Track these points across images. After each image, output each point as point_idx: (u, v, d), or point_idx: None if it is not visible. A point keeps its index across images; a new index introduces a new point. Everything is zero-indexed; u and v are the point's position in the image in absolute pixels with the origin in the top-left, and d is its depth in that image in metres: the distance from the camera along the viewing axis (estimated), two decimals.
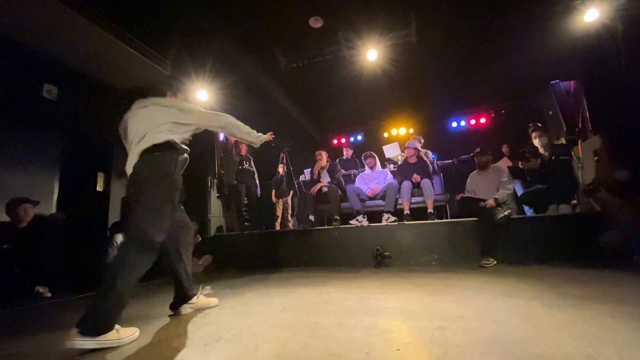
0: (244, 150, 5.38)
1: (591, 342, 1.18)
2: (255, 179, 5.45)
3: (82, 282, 3.43)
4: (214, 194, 5.49)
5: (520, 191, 4.56)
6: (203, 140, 5.48)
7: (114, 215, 4.39)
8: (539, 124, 4.16)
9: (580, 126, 4.28)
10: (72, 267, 3.57)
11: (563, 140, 4.53)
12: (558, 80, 4.49)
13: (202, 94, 5.21)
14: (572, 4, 4.19)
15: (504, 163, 5.46)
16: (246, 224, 5.34)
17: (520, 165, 4.36)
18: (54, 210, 4.11)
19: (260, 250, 4.46)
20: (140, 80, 4.47)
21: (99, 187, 4.31)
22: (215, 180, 5.49)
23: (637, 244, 2.91)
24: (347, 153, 6.32)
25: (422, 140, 5.67)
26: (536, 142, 4.04)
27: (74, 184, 4.22)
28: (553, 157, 3.85)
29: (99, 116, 4.36)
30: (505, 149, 6.16)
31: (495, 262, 3.24)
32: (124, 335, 1.51)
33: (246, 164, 5.37)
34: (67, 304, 2.66)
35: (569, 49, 4.66)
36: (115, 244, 3.85)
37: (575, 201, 4.10)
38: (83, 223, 4.01)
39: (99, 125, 4.34)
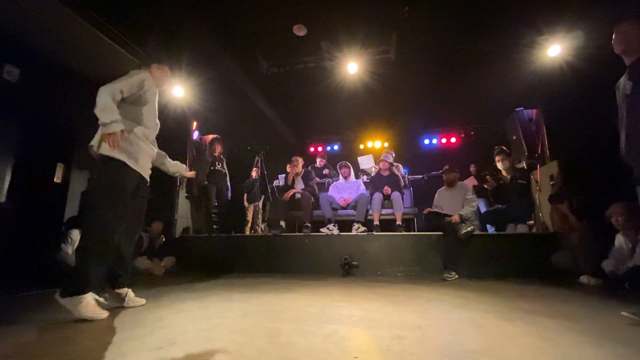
0: (217, 150, 5.27)
1: (535, 353, 1.24)
2: (227, 181, 5.34)
3: (29, 278, 3.19)
4: (182, 193, 5.32)
5: (484, 209, 4.79)
6: (174, 138, 5.32)
7: (71, 209, 4.13)
8: (504, 148, 4.42)
9: (539, 152, 4.60)
10: (20, 261, 3.30)
11: (524, 164, 4.83)
12: (522, 108, 4.81)
13: (178, 90, 5.08)
14: (537, 39, 4.53)
15: (471, 182, 5.72)
16: (215, 226, 5.21)
17: (486, 186, 4.60)
18: (3, 199, 3.80)
19: (227, 254, 4.35)
20: (113, 71, 4.29)
21: (57, 179, 4.05)
22: (185, 180, 5.32)
23: (585, 264, 3.13)
24: (320, 162, 6.36)
25: (394, 155, 5.83)
26: (500, 165, 4.29)
27: (30, 173, 3.92)
28: (513, 181, 4.10)
29: (64, 103, 4.13)
30: (472, 168, 6.46)
31: (456, 276, 3.36)
32: None
33: (219, 164, 5.26)
34: (6, 302, 2.45)
35: (533, 80, 5.03)
36: (70, 240, 3.59)
37: (531, 222, 4.36)
38: (36, 215, 3.73)
39: (62, 113, 4.10)
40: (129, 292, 2.16)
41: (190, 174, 2.65)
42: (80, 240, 1.92)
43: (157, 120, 2.29)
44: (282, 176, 5.85)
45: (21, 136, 3.90)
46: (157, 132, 2.29)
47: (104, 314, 1.82)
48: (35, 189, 3.87)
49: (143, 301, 2.20)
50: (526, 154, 4.62)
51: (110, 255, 1.94)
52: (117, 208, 1.91)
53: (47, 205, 3.95)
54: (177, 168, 2.50)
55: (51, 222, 3.94)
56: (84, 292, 1.78)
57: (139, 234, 2.27)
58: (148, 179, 2.20)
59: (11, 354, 1.30)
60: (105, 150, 1.90)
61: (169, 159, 2.46)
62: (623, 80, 1.95)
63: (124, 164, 1.95)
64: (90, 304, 1.78)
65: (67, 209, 4.11)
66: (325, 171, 6.34)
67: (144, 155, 2.10)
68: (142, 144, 2.10)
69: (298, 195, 4.60)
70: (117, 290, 2.13)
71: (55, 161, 4.08)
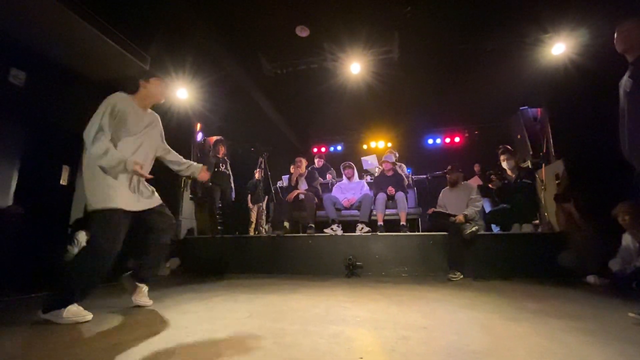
0: (221, 152, 5.29)
1: (542, 354, 1.24)
2: (231, 183, 5.36)
3: (35, 279, 3.22)
4: (187, 195, 5.34)
5: (488, 209, 4.76)
6: (178, 139, 5.34)
7: (77, 211, 4.17)
8: (508, 147, 4.39)
9: (544, 151, 4.56)
10: (26, 263, 3.34)
11: (529, 164, 4.79)
12: (526, 107, 4.78)
13: (182, 92, 5.11)
14: (541, 37, 4.50)
15: (475, 181, 5.69)
16: (219, 227, 5.23)
17: (491, 185, 4.58)
18: (10, 202, 3.84)
19: (231, 255, 4.36)
20: (118, 73, 4.34)
21: (63, 181, 4.09)
22: (189, 181, 5.34)
23: (592, 264, 3.10)
24: (319, 163, 6.38)
25: (397, 155, 5.82)
26: (504, 164, 4.26)
27: (36, 175, 3.96)
28: (518, 180, 4.07)
29: (69, 106, 4.17)
30: (477, 167, 6.44)
31: (461, 276, 3.34)
32: None
33: (223, 166, 5.27)
34: (14, 303, 2.47)
35: (538, 78, 5.00)
36: (76, 241, 3.63)
37: (537, 221, 4.33)
38: (42, 218, 3.76)
39: (68, 116, 4.14)
40: (144, 289, 2.20)
41: (205, 176, 2.47)
42: (75, 257, 1.93)
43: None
44: (285, 177, 5.86)
45: (27, 139, 3.96)
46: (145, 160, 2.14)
47: (88, 315, 1.81)
48: (41, 191, 3.91)
49: (150, 302, 2.21)
50: (531, 153, 4.58)
51: (101, 275, 1.91)
52: (110, 241, 1.88)
53: (53, 207, 3.99)
54: (192, 170, 2.44)
55: (57, 224, 3.98)
56: (68, 305, 1.78)
57: (168, 237, 2.22)
58: (150, 205, 2.11)
59: (18, 356, 1.32)
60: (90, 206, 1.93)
61: (184, 162, 2.42)
62: (625, 78, 1.95)
63: (105, 210, 1.89)
64: (72, 309, 1.78)
65: (73, 210, 4.15)
66: (329, 177, 6.35)
67: (123, 188, 1.98)
68: (120, 177, 1.98)
69: (302, 196, 4.60)
70: (137, 283, 2.18)
71: (61, 163, 4.12)
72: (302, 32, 4.51)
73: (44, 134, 4.01)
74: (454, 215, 3.65)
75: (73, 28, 3.43)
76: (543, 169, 4.43)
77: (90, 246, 1.92)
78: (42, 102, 3.93)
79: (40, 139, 3.99)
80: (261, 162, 5.75)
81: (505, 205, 4.16)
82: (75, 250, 3.57)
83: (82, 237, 3.66)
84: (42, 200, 3.87)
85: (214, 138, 5.52)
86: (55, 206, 4.02)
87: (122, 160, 1.88)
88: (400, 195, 4.29)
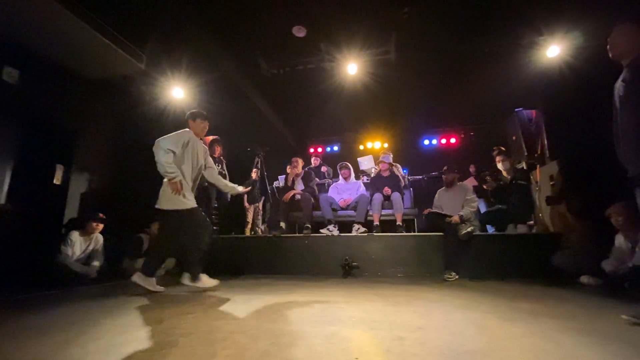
0: (217, 152, 5.26)
1: (537, 354, 1.25)
2: None
3: (28, 279, 3.18)
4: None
5: (484, 210, 4.79)
6: None
7: (71, 210, 4.13)
8: (503, 148, 4.42)
9: (539, 152, 4.60)
10: (19, 263, 3.30)
11: (524, 165, 4.83)
12: (522, 108, 4.82)
13: (178, 92, 5.08)
14: (536, 39, 4.54)
15: (471, 182, 5.72)
16: (215, 227, 5.19)
17: (485, 186, 4.60)
18: (3, 201, 3.79)
19: (228, 255, 4.34)
20: (113, 72, 4.31)
21: (57, 180, 4.04)
22: None
23: (585, 264, 3.13)
24: (315, 162, 6.39)
25: (392, 155, 5.84)
26: (500, 165, 4.29)
27: (29, 174, 3.92)
28: (513, 181, 4.10)
29: (63, 105, 4.14)
30: (472, 168, 6.48)
31: (457, 277, 3.36)
32: None
33: (218, 166, 5.24)
34: (6, 304, 2.44)
35: (533, 80, 5.04)
36: (70, 241, 3.58)
37: (531, 222, 4.37)
38: (35, 217, 3.72)
39: (62, 114, 4.11)
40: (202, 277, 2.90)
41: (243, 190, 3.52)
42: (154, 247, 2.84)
43: (198, 160, 3.07)
44: (282, 177, 5.85)
45: (21, 137, 3.91)
46: (197, 172, 3.07)
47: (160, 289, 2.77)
48: (34, 190, 3.87)
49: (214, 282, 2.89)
50: (526, 154, 4.62)
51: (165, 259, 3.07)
52: (174, 239, 2.85)
53: (46, 206, 3.95)
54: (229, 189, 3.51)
55: (51, 224, 3.94)
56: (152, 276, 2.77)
57: (205, 241, 2.94)
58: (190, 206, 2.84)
59: (12, 358, 1.30)
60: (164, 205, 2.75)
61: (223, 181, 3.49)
62: (619, 81, 1.97)
63: (177, 211, 2.75)
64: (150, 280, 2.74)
65: (66, 210, 4.11)
66: (324, 169, 6.34)
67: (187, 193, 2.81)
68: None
69: (298, 196, 4.59)
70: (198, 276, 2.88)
71: (54, 162, 4.08)
72: (299, 32, 4.50)
73: (38, 132, 3.97)
74: (450, 216, 3.67)
75: (68, 26, 3.40)
76: (538, 170, 4.47)
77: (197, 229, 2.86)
78: (36, 100, 3.89)
79: (34, 137, 3.94)
80: (257, 162, 5.73)
81: (500, 206, 4.19)
82: (69, 250, 3.53)
83: (75, 237, 3.61)
84: (36, 199, 3.83)
85: (210, 138, 5.48)
86: (49, 206, 3.98)
87: (174, 175, 2.65)
88: (396, 196, 4.30)
